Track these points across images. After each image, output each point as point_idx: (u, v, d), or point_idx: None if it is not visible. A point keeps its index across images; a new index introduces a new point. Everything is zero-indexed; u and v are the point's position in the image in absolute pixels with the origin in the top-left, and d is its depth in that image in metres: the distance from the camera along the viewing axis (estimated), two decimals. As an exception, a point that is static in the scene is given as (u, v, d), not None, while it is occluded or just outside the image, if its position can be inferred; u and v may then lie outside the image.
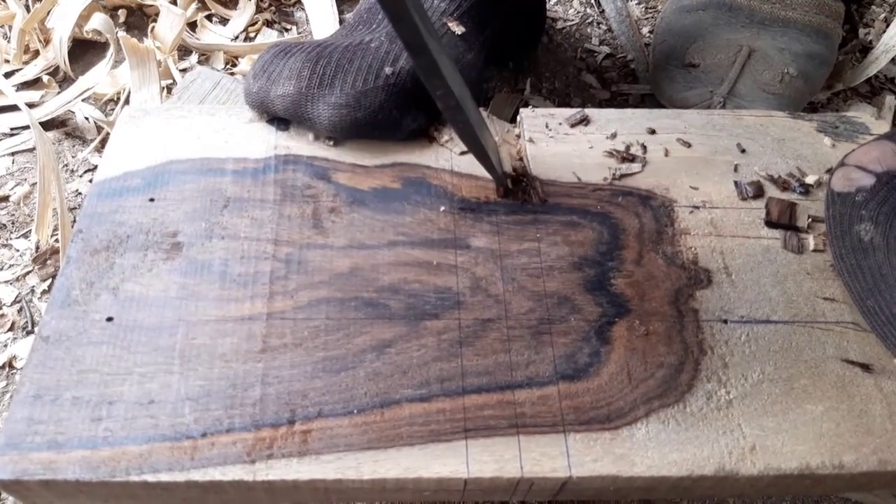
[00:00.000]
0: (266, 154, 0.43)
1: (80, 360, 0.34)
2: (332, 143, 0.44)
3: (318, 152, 0.43)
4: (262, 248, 0.38)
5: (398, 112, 0.42)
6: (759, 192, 0.43)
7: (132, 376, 0.34)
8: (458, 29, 0.47)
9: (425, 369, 0.35)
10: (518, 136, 0.46)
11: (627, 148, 0.45)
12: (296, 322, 0.36)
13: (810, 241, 0.41)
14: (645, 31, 0.74)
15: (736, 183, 0.44)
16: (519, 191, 0.42)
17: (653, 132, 0.46)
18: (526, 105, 0.64)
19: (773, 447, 0.33)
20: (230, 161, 0.42)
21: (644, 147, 0.45)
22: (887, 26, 0.70)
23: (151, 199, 0.40)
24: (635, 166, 0.44)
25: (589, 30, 0.73)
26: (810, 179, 0.44)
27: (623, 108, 0.49)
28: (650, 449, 0.33)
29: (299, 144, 0.44)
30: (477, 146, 0.39)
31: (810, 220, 0.42)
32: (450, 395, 0.34)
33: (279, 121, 0.45)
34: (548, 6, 0.72)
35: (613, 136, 0.46)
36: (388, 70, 0.42)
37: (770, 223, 0.42)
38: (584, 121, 0.46)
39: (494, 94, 0.65)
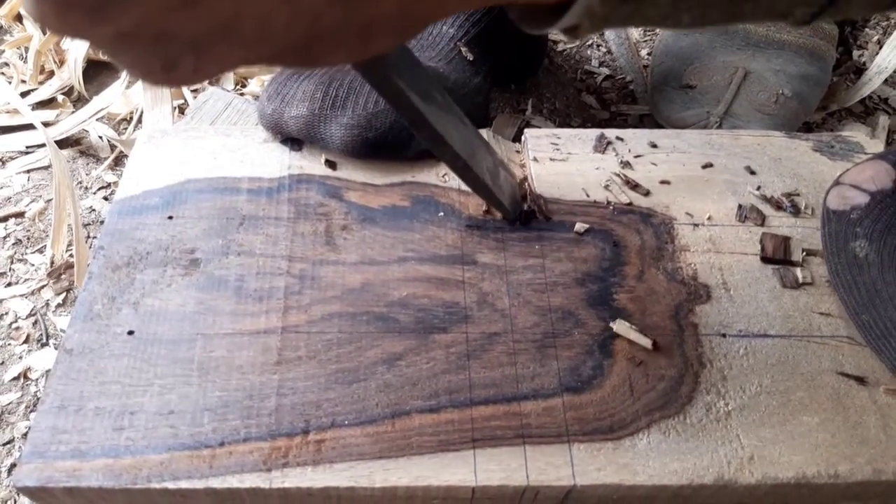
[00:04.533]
0: (280, 173, 0.44)
1: (102, 371, 0.35)
2: (331, 169, 0.45)
3: (331, 172, 0.45)
4: (277, 265, 0.40)
5: (407, 133, 0.44)
6: (756, 211, 0.45)
7: (153, 387, 0.35)
8: (469, 55, 0.49)
9: (434, 381, 0.36)
10: (521, 154, 0.48)
11: (628, 166, 0.47)
12: (310, 335, 0.37)
13: (798, 273, 0.42)
14: (643, 53, 0.75)
15: (740, 206, 0.45)
16: (524, 209, 0.44)
17: (654, 150, 0.48)
18: (528, 125, 0.66)
19: (770, 457, 0.34)
20: (245, 180, 0.44)
21: (644, 166, 0.47)
22: (880, 48, 0.71)
23: (170, 217, 0.41)
24: (636, 185, 0.45)
25: (589, 52, 0.75)
26: (802, 203, 0.45)
27: (623, 128, 0.51)
28: (652, 458, 0.34)
29: (312, 164, 0.45)
30: (487, 194, 0.40)
31: (804, 253, 0.43)
32: (458, 406, 0.35)
33: (293, 141, 0.46)
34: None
35: (615, 155, 0.47)
36: (398, 93, 0.44)
37: (765, 258, 0.42)
38: (609, 145, 0.48)
39: (497, 115, 0.67)
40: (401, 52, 0.33)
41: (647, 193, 0.45)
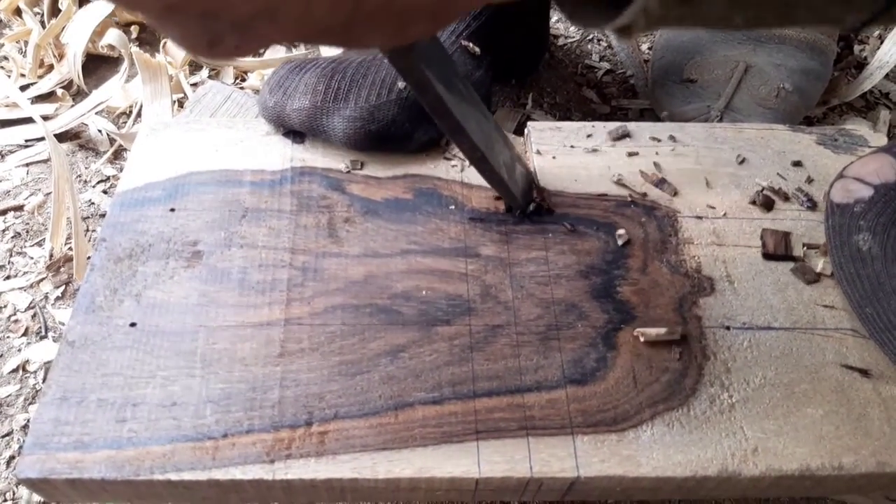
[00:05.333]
0: (282, 166, 0.44)
1: (104, 363, 0.35)
2: (349, 167, 0.45)
3: (333, 164, 0.45)
4: (280, 257, 0.40)
5: (410, 125, 0.44)
6: (764, 203, 0.44)
7: (155, 379, 0.35)
8: (475, 49, 0.49)
9: (437, 373, 0.36)
10: (523, 148, 0.48)
11: (632, 159, 0.46)
12: (312, 328, 0.37)
13: (819, 265, 0.42)
14: (644, 47, 0.75)
15: (753, 197, 0.45)
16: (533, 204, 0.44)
17: (657, 144, 0.48)
18: (528, 119, 0.65)
19: (774, 449, 0.34)
20: (248, 173, 0.44)
21: (647, 159, 0.47)
22: (882, 43, 0.71)
23: (172, 209, 0.41)
24: (639, 177, 0.45)
25: (589, 46, 0.75)
26: (815, 194, 0.45)
27: (624, 122, 0.51)
28: (655, 450, 0.34)
29: (314, 157, 0.45)
30: (502, 187, 0.40)
31: (805, 248, 0.43)
32: (461, 398, 0.35)
33: (295, 134, 0.46)
34: (550, 24, 0.74)
35: (621, 148, 0.47)
36: (400, 85, 0.44)
37: (766, 255, 0.42)
38: (626, 136, 0.48)
39: (497, 109, 0.66)
40: (430, 41, 0.33)
41: (650, 186, 0.45)
